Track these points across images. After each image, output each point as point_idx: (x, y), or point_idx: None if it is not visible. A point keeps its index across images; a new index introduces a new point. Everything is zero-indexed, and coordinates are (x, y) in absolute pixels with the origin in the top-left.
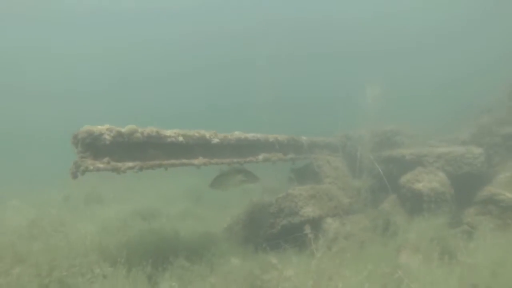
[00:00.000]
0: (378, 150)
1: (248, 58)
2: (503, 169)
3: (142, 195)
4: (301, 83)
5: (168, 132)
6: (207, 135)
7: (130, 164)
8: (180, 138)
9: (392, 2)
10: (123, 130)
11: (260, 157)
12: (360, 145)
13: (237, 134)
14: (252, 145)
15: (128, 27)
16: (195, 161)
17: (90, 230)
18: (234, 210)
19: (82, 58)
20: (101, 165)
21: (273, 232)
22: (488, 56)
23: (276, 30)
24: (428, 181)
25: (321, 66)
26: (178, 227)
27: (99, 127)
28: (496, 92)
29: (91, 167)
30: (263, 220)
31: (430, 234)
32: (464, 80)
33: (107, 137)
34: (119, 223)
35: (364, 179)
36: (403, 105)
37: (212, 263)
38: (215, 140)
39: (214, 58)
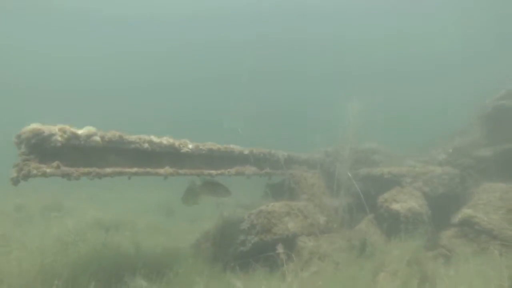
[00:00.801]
0: (356, 167)
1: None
2: (477, 191)
3: (109, 206)
4: (285, 98)
5: (133, 138)
6: (177, 143)
7: (85, 170)
8: (146, 145)
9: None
10: (80, 132)
11: (233, 170)
12: (338, 162)
13: (209, 144)
14: (225, 157)
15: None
16: (161, 171)
17: (38, 245)
18: (205, 224)
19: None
20: (48, 170)
21: (244, 250)
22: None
23: (264, 45)
24: (405, 201)
25: (306, 85)
26: (142, 241)
27: (51, 126)
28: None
29: (35, 172)
30: (234, 236)
31: (407, 257)
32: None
33: (59, 138)
34: (75, 236)
35: (342, 197)
36: (383, 126)
37: (173, 283)
38: (185, 149)
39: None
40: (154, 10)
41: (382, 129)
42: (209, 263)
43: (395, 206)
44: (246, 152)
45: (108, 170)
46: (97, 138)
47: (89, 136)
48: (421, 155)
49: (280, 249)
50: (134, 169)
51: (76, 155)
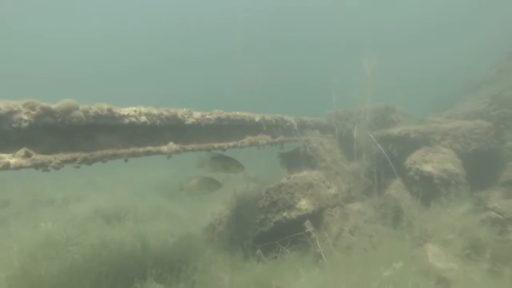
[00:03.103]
0: (373, 129)
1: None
2: None
3: (107, 192)
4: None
5: (126, 110)
6: (180, 113)
7: (67, 156)
8: (143, 118)
9: None
10: (55, 106)
11: (246, 140)
12: (354, 123)
13: (217, 112)
14: (234, 126)
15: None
16: (165, 148)
17: (23, 248)
18: (215, 204)
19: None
20: (13, 160)
21: (265, 230)
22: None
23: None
24: (438, 161)
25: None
26: (148, 231)
27: (11, 101)
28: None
29: None
30: (251, 216)
31: (453, 224)
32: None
33: (25, 116)
34: (72, 232)
35: (363, 161)
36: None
37: (194, 281)
38: (190, 120)
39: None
40: None
41: (395, 91)
42: (228, 250)
43: (427, 168)
44: (257, 119)
45: (98, 153)
46: (79, 113)
47: (67, 111)
48: (441, 112)
49: (308, 226)
50: (131, 149)
51: (54, 138)
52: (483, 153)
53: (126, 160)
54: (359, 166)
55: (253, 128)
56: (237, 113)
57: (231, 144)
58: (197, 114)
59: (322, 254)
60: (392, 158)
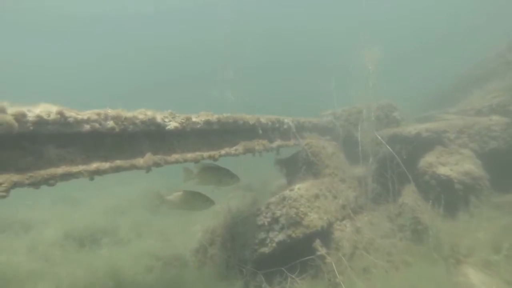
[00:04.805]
0: (376, 129)
1: None
2: None
3: (83, 208)
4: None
5: (87, 114)
6: (159, 117)
7: None
8: (110, 124)
9: None
10: None
11: (240, 147)
12: (354, 124)
13: (205, 115)
14: (226, 131)
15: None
16: (140, 161)
17: None
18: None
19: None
20: None
21: (265, 252)
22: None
23: None
24: (455, 163)
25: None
26: (127, 255)
27: None
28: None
29: None
30: (249, 235)
31: (496, 241)
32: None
33: None
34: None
35: (369, 165)
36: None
37: None
38: (172, 125)
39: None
40: None
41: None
42: (224, 280)
43: (444, 171)
44: (252, 121)
45: (41, 173)
46: (9, 119)
47: None
48: (446, 108)
49: (320, 248)
50: (94, 165)
51: None
52: (503, 152)
53: (91, 179)
54: (365, 171)
55: (247, 132)
56: (229, 115)
57: (223, 152)
58: (180, 118)
59: (342, 285)
60: (401, 161)
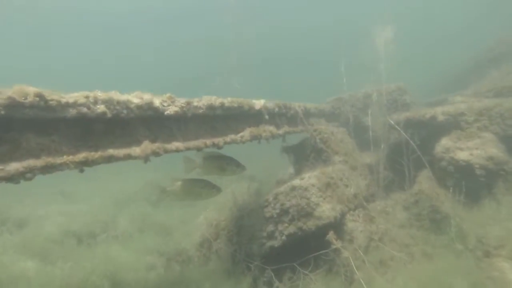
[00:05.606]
0: (385, 114)
1: None
2: None
3: (81, 203)
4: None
5: (73, 97)
6: (157, 101)
7: None
8: (101, 108)
9: None
10: None
11: (246, 133)
12: (362, 109)
13: (207, 99)
14: (230, 116)
15: None
16: (137, 150)
17: None
18: (208, 210)
19: None
20: None
21: (275, 245)
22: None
23: None
24: (475, 147)
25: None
26: (127, 251)
27: None
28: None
29: None
30: (257, 228)
31: None
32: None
33: None
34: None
35: (381, 152)
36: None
37: None
38: (172, 109)
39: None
40: None
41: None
42: (232, 277)
43: (464, 156)
44: (257, 106)
45: (15, 165)
46: None
47: None
48: (459, 90)
49: (334, 241)
50: (82, 154)
51: None
52: None
53: (81, 170)
54: (375, 158)
55: (252, 117)
56: (233, 99)
57: (228, 139)
58: (181, 102)
59: (362, 282)
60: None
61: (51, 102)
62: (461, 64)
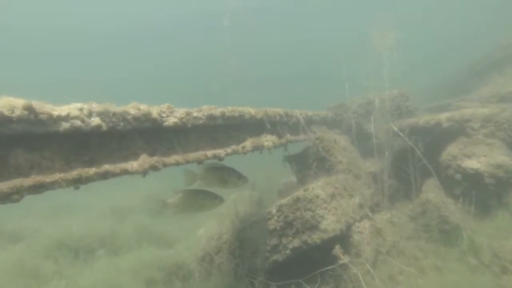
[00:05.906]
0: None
1: None
2: None
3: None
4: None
5: (65, 110)
6: (155, 111)
7: None
8: (95, 121)
9: None
10: None
11: (248, 144)
12: (364, 116)
13: (207, 108)
14: (231, 126)
15: None
16: (134, 165)
17: None
18: (209, 222)
19: None
20: None
21: (278, 260)
22: None
23: None
24: (483, 154)
25: None
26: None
27: None
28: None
29: None
30: (260, 241)
31: None
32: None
33: None
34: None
35: (385, 160)
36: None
37: None
38: (171, 120)
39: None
40: None
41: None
42: None
43: (471, 164)
44: (259, 115)
45: (2, 186)
46: None
47: None
48: (460, 95)
49: (341, 255)
50: (76, 171)
51: None
52: None
53: (76, 188)
54: (379, 166)
55: (254, 126)
56: (234, 108)
57: (229, 150)
58: (180, 112)
59: None
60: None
61: (41, 116)
62: (462, 69)
